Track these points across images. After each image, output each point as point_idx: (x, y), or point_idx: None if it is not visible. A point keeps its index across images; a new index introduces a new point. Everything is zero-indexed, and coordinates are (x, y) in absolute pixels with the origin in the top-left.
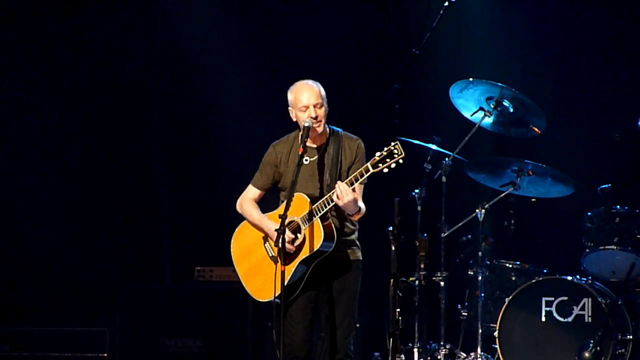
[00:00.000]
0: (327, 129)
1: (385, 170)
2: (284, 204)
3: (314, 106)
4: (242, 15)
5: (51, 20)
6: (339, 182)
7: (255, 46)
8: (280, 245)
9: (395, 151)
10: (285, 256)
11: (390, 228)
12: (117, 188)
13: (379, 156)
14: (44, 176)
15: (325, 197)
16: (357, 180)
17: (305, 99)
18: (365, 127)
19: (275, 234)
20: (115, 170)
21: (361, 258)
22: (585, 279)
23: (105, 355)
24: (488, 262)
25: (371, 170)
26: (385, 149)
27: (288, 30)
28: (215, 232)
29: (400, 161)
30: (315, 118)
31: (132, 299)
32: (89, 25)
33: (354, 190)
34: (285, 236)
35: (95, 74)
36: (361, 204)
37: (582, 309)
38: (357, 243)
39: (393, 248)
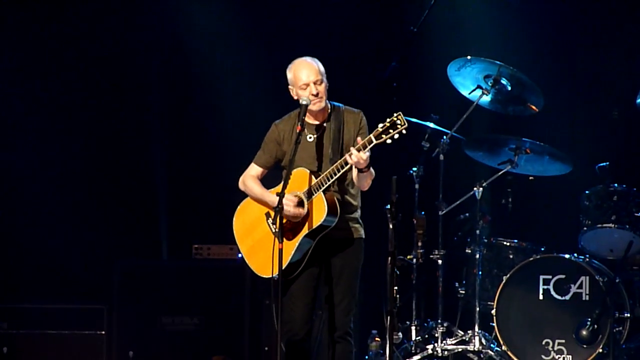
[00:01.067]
0: (328, 105)
1: (389, 141)
2: (283, 181)
3: (314, 83)
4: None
5: (51, 18)
6: (351, 148)
7: (252, 25)
8: (278, 223)
9: (398, 122)
10: (289, 231)
11: (388, 206)
12: (114, 165)
13: (381, 127)
14: (40, 155)
15: (328, 170)
16: (359, 151)
17: (305, 76)
18: (364, 105)
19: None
20: (112, 147)
21: (364, 236)
22: (582, 257)
23: (103, 332)
24: (486, 240)
25: (374, 142)
26: (388, 120)
27: (286, 8)
28: (213, 210)
29: (404, 132)
30: (317, 95)
31: (130, 276)
32: (88, 20)
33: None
34: (290, 206)
35: (92, 59)
36: (371, 171)
37: (580, 287)
38: (360, 221)
39: (390, 226)
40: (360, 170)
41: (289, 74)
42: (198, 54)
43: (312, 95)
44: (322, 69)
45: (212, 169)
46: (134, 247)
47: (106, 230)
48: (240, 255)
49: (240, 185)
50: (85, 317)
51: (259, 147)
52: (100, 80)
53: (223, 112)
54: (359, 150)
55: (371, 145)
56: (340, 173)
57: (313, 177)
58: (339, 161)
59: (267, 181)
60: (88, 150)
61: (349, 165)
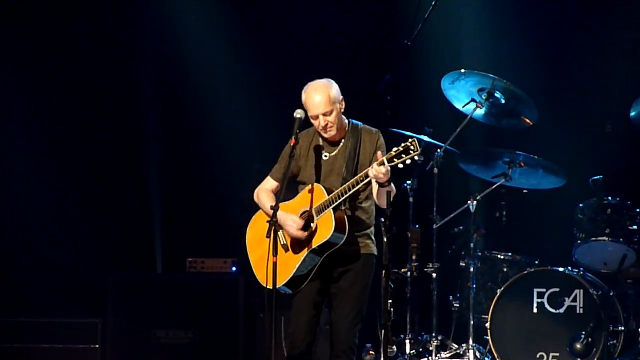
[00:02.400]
0: (346, 123)
1: (400, 165)
2: (297, 196)
3: (324, 115)
4: (233, 6)
5: (46, 18)
6: (374, 165)
7: (247, 38)
8: (272, 236)
9: (412, 147)
10: (296, 245)
11: (382, 220)
12: (109, 179)
13: (395, 152)
14: (34, 167)
15: (340, 189)
16: (380, 165)
17: (314, 108)
18: (357, 118)
19: (287, 218)
20: (107, 161)
21: (376, 253)
22: (577, 270)
23: (97, 346)
24: (480, 254)
25: (387, 165)
26: (403, 144)
27: (279, 22)
28: (208, 224)
29: (416, 158)
30: (325, 127)
31: (124, 290)
32: (84, 20)
33: (357, 191)
34: (295, 220)
35: (87, 66)
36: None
37: (574, 300)
38: (372, 238)
39: (385, 239)
40: (381, 185)
41: (303, 97)
42: (193, 69)
43: (321, 127)
44: (333, 95)
45: (206, 183)
46: (128, 260)
47: (101, 243)
48: (234, 268)
49: (255, 198)
50: (79, 331)
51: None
52: (95, 94)
53: (218, 126)
54: (380, 164)
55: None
56: (356, 189)
57: (325, 192)
58: (357, 176)
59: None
60: (82, 163)
61: (367, 180)
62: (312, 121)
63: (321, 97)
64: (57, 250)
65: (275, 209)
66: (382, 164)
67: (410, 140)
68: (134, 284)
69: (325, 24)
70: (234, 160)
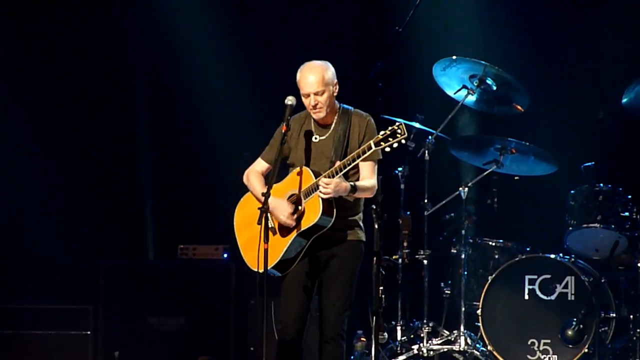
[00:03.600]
0: (337, 106)
1: (387, 149)
2: (286, 178)
3: (315, 94)
4: None
5: (38, 17)
6: (321, 178)
7: (238, 24)
8: (262, 223)
9: (399, 131)
10: (283, 228)
11: (373, 206)
12: (100, 165)
13: (382, 135)
14: (25, 155)
15: (327, 172)
16: (358, 157)
17: (306, 86)
18: (349, 105)
19: (277, 205)
20: (98, 148)
21: (364, 239)
22: (568, 257)
23: (89, 333)
24: (471, 240)
25: (373, 148)
26: (389, 128)
27: (270, 9)
28: (199, 210)
29: (403, 141)
30: (315, 106)
31: (116, 276)
32: (78, 24)
33: (346, 173)
34: (285, 208)
35: (78, 56)
36: (372, 181)
37: (565, 287)
38: (361, 224)
39: (376, 226)
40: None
41: (298, 75)
42: (184, 54)
43: (311, 106)
44: (327, 76)
45: (198, 170)
46: (119, 247)
47: (92, 230)
48: (225, 255)
49: (244, 179)
50: (71, 317)
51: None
52: (87, 82)
53: (210, 113)
54: (331, 175)
55: (370, 151)
56: (342, 172)
57: (313, 175)
58: (344, 159)
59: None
60: (74, 151)
61: (354, 163)
62: (303, 99)
63: (315, 76)
64: (48, 237)
65: (266, 195)
66: (332, 175)
67: (397, 123)
68: (125, 271)
69: (316, 11)
70: (225, 147)
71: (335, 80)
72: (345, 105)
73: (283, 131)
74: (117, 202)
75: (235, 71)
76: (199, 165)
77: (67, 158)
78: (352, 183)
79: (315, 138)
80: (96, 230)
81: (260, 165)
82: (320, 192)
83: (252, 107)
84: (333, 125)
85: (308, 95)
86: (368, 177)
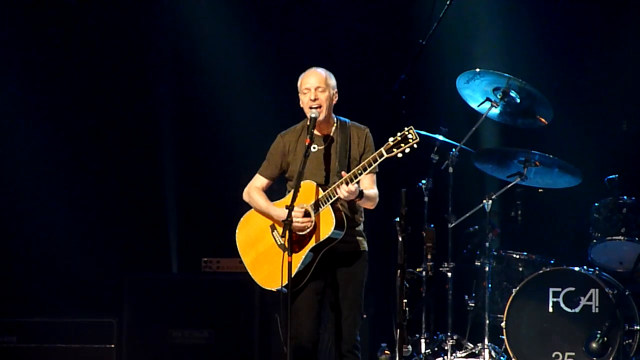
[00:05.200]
0: (335, 119)
1: (400, 155)
2: (291, 193)
3: (316, 89)
4: (245, 7)
5: (58, 16)
6: (338, 183)
7: (260, 38)
8: (287, 236)
9: (410, 136)
10: (295, 243)
11: (397, 219)
12: (124, 179)
13: (392, 141)
14: (50, 168)
15: (333, 186)
16: (370, 165)
17: (308, 82)
18: (373, 118)
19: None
20: (122, 161)
21: (367, 249)
22: (592, 269)
23: (113, 346)
24: (495, 253)
25: (385, 155)
26: (399, 133)
27: (294, 22)
28: (222, 223)
29: (415, 146)
30: (314, 100)
31: (140, 290)
32: (98, 24)
33: (358, 182)
34: (299, 217)
35: (101, 66)
36: (374, 191)
37: (590, 299)
38: (364, 234)
39: (400, 239)
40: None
41: (299, 80)
42: (208, 72)
43: (310, 100)
44: (330, 81)
45: (221, 183)
46: (143, 260)
47: (116, 243)
48: None
49: (245, 197)
50: (95, 330)
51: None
52: (110, 96)
53: (232, 125)
54: (347, 183)
55: (382, 159)
56: (354, 182)
57: (320, 189)
58: (351, 172)
59: (271, 196)
60: (98, 164)
61: (362, 176)
62: (302, 97)
63: (317, 75)
64: (73, 250)
65: (290, 208)
66: (348, 182)
67: (407, 128)
68: (149, 284)
69: (340, 24)
70: (249, 159)
71: (336, 90)
72: (342, 118)
73: (307, 144)
74: (141, 216)
75: (261, 86)
76: (223, 178)
77: (91, 171)
78: (360, 189)
79: (314, 147)
80: (120, 243)
81: (259, 181)
82: (341, 193)
83: (278, 121)
84: (333, 136)
85: (309, 90)
86: (369, 187)
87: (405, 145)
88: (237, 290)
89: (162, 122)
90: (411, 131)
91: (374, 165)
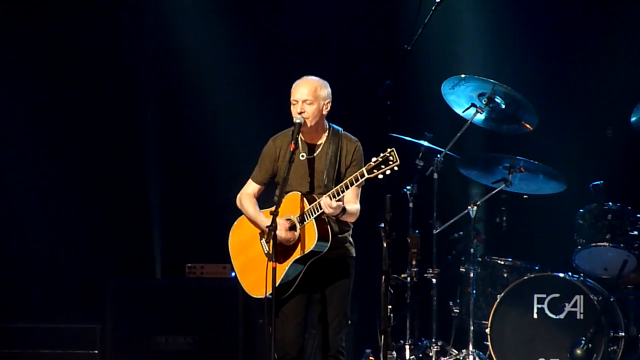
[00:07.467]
0: (327, 127)
1: (380, 176)
2: (277, 199)
3: (303, 102)
4: (235, 10)
5: (43, 15)
6: (322, 198)
7: (247, 42)
8: (271, 241)
9: (391, 158)
10: (280, 254)
11: (382, 225)
12: (108, 185)
13: (374, 162)
14: (34, 173)
15: (318, 200)
16: (352, 184)
17: (297, 93)
18: (357, 123)
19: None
20: (106, 166)
21: (354, 255)
22: (577, 275)
23: (96, 352)
24: (480, 259)
25: (366, 176)
26: (381, 155)
27: (280, 26)
28: (207, 229)
29: (395, 168)
30: (300, 113)
31: (123, 295)
32: (84, 28)
33: (340, 200)
34: (282, 230)
35: (87, 69)
36: (356, 206)
37: (574, 305)
38: (351, 240)
39: (385, 245)
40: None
41: (292, 88)
42: (194, 74)
43: (297, 113)
44: (321, 91)
45: (205, 188)
46: (127, 266)
47: (100, 249)
48: (233, 273)
49: (237, 203)
50: (78, 336)
51: (254, 166)
52: (94, 99)
53: (218, 129)
54: (330, 198)
55: (362, 179)
56: (337, 199)
57: (305, 200)
58: (337, 186)
59: (265, 202)
60: (81, 169)
61: (347, 190)
62: (292, 107)
63: (307, 87)
64: (56, 255)
65: (274, 213)
66: (331, 197)
67: (389, 150)
68: (133, 289)
69: (325, 28)
70: (234, 164)
71: (329, 100)
72: (335, 126)
73: (291, 149)
74: (125, 221)
75: (246, 91)
76: (207, 183)
77: (74, 175)
78: (343, 206)
79: (302, 156)
80: (104, 248)
81: (251, 187)
82: (325, 208)
83: (263, 126)
84: (322, 146)
85: (296, 102)
86: (352, 201)
87: (385, 167)
88: (221, 296)
89: (147, 128)
90: (392, 153)
91: (355, 184)
